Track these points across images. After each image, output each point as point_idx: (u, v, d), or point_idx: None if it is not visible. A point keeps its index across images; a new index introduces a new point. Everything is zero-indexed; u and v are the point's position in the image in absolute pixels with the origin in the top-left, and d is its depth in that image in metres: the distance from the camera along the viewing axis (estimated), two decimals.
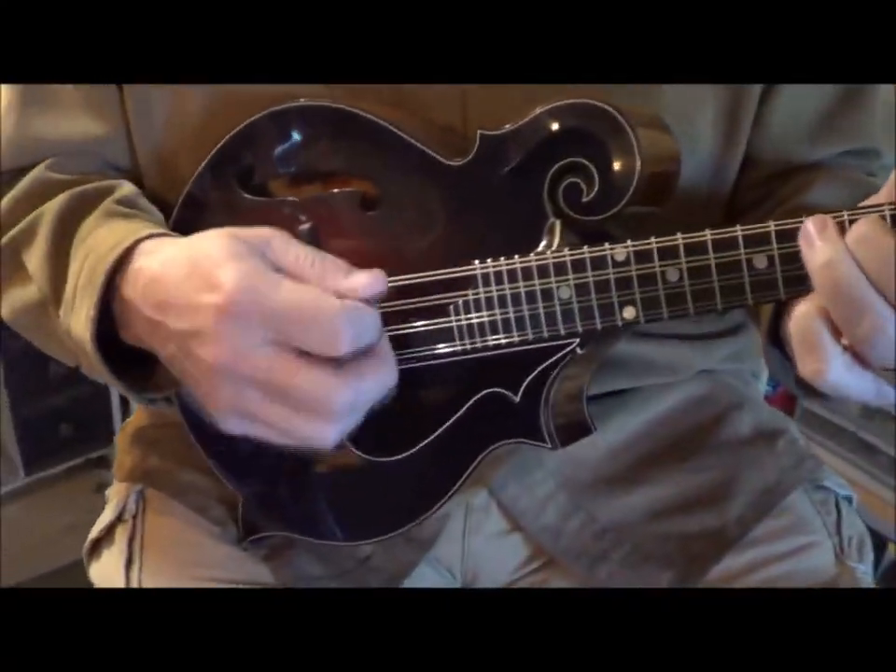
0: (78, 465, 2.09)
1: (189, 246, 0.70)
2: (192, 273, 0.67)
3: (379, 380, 0.69)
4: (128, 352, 0.75)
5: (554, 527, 0.89)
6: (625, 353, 0.86)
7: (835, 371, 0.63)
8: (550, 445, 0.75)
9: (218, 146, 0.79)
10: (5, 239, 0.83)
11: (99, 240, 0.75)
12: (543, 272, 0.70)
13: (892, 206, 0.61)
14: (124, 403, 2.11)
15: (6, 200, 0.84)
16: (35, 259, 0.80)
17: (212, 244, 0.68)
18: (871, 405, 0.68)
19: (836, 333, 0.63)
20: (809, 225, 0.63)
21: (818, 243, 0.62)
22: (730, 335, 0.95)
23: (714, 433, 0.92)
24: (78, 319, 0.74)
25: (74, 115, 0.84)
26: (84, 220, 0.79)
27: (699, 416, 0.93)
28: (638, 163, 0.69)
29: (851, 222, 0.62)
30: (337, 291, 0.67)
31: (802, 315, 0.65)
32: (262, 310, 0.65)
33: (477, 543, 0.90)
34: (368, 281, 0.68)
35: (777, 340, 0.72)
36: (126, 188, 0.83)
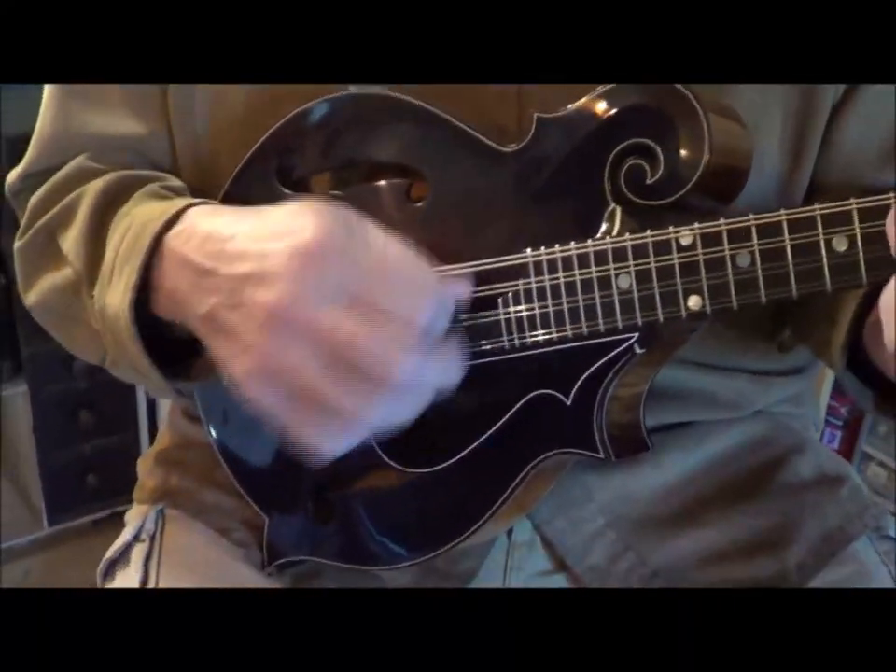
0: (104, 518, 2.02)
1: (261, 208, 0.64)
2: (264, 224, 0.62)
3: (446, 369, 0.64)
4: (160, 343, 0.70)
5: (602, 568, 0.83)
6: (683, 383, 0.82)
7: None
8: (602, 455, 0.70)
9: (260, 140, 0.76)
10: (39, 223, 0.80)
11: (144, 211, 0.71)
12: (601, 258, 0.66)
13: None
14: None
15: (41, 189, 0.81)
16: (71, 237, 0.76)
17: (290, 205, 0.63)
18: None
19: None
20: None
21: None
22: (792, 374, 0.90)
23: (774, 476, 0.87)
24: (116, 291, 0.69)
25: (116, 112, 0.81)
26: (128, 200, 0.75)
27: (759, 458, 0.88)
28: (708, 142, 0.64)
29: None
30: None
31: None
32: (344, 261, 0.59)
33: (518, 582, 0.84)
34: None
35: (853, 361, 0.68)
36: (176, 180, 0.80)
